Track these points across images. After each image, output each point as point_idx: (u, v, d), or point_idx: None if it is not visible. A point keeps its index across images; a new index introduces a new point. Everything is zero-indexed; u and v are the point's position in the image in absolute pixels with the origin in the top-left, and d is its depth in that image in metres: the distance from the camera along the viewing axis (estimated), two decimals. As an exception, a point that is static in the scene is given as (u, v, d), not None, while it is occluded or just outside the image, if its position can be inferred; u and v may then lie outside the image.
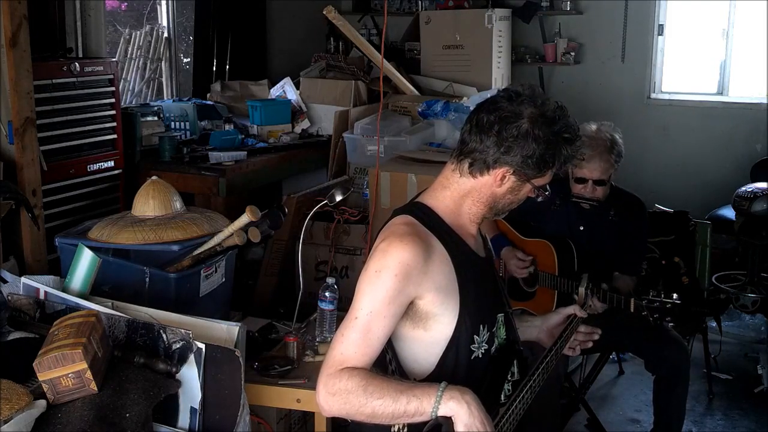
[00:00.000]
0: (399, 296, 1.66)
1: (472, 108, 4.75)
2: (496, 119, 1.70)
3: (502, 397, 1.82)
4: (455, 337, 1.74)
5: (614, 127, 2.96)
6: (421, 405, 1.60)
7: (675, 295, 2.40)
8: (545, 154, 1.70)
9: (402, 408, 1.60)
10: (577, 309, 2.05)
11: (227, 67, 5.45)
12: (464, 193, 1.78)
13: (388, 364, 1.78)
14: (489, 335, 1.81)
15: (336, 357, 1.66)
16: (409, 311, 1.71)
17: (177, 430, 1.90)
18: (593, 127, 2.94)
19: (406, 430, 1.70)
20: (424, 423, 1.62)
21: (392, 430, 1.72)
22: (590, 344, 2.09)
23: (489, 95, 4.17)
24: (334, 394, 1.62)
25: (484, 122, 1.72)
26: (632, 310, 2.54)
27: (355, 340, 1.65)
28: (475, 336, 1.77)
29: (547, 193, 1.81)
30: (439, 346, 1.74)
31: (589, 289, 2.17)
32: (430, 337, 1.74)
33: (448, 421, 1.60)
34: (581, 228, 3.03)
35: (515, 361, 1.88)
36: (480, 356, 1.79)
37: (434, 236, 1.74)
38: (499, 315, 1.87)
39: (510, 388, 1.83)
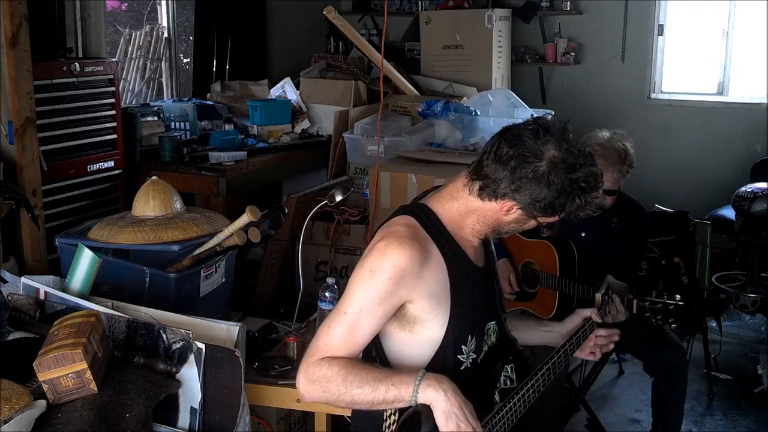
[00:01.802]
0: (390, 298, 1.67)
1: (472, 108, 4.71)
2: (514, 154, 1.65)
3: (497, 397, 1.82)
4: (443, 346, 1.74)
5: (626, 136, 2.95)
6: (399, 393, 1.62)
7: (678, 297, 2.40)
8: (555, 201, 1.66)
9: (381, 396, 1.63)
10: (594, 312, 2.06)
11: (227, 67, 5.45)
12: (470, 210, 1.76)
13: (373, 360, 1.79)
14: (476, 345, 1.81)
15: (320, 347, 1.68)
16: (398, 313, 1.72)
17: (177, 430, 1.90)
18: (606, 135, 2.91)
19: (396, 425, 1.70)
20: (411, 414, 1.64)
21: (384, 425, 1.73)
22: (611, 346, 2.10)
23: (489, 95, 4.17)
24: (314, 381, 1.65)
25: (503, 153, 1.66)
26: (634, 312, 2.54)
27: (340, 334, 1.67)
28: (463, 347, 1.77)
29: (553, 231, 1.80)
30: (424, 350, 1.75)
31: (606, 296, 2.17)
32: (416, 340, 1.74)
33: (426, 408, 1.62)
34: (582, 234, 3.02)
35: (510, 366, 1.89)
36: (468, 366, 1.80)
37: (433, 242, 1.73)
38: (490, 323, 1.87)
39: (498, 396, 1.84)
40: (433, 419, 1.61)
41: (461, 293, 1.75)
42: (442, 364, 1.74)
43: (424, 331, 1.73)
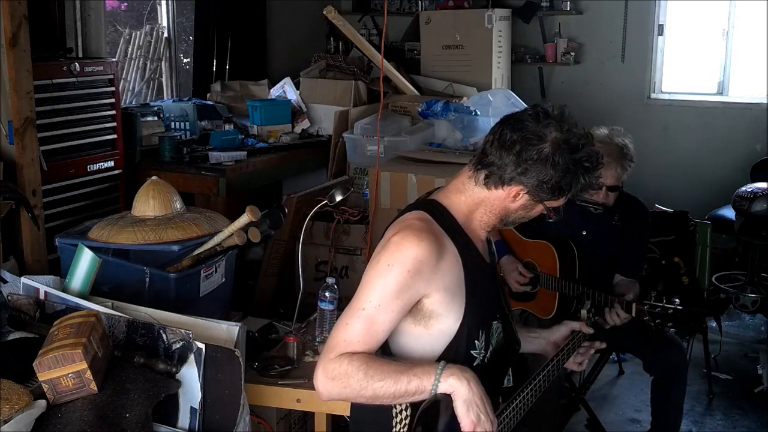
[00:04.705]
0: (408, 291, 1.66)
1: (472, 108, 4.72)
2: (518, 138, 1.68)
3: (500, 399, 1.83)
4: (456, 339, 1.74)
5: (624, 132, 2.96)
6: (421, 383, 1.62)
7: (677, 301, 2.40)
8: (561, 181, 1.69)
9: (403, 388, 1.62)
10: (583, 326, 2.07)
11: (227, 67, 5.45)
12: (477, 201, 1.78)
13: None
14: (485, 342, 1.82)
15: (339, 343, 1.66)
16: (413, 308, 1.71)
17: (177, 430, 1.90)
18: (605, 131, 2.93)
19: (408, 420, 1.70)
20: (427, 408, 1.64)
21: (395, 421, 1.73)
22: (591, 352, 2.11)
23: (489, 95, 4.20)
24: (334, 378, 1.63)
25: (506, 138, 1.70)
26: (634, 315, 2.54)
27: (359, 330, 1.66)
28: (476, 341, 1.78)
29: (559, 216, 1.81)
30: (437, 345, 1.75)
31: (591, 312, 2.19)
32: (429, 335, 1.74)
33: (446, 398, 1.62)
34: (584, 233, 3.02)
35: (510, 369, 1.89)
36: (480, 362, 1.80)
37: (447, 236, 1.74)
38: (494, 322, 1.87)
39: (500, 397, 1.85)
40: (452, 410, 1.62)
41: (474, 286, 1.76)
42: (453, 359, 1.74)
43: (438, 326, 1.73)
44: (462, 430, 1.62)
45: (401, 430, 1.71)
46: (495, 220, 1.80)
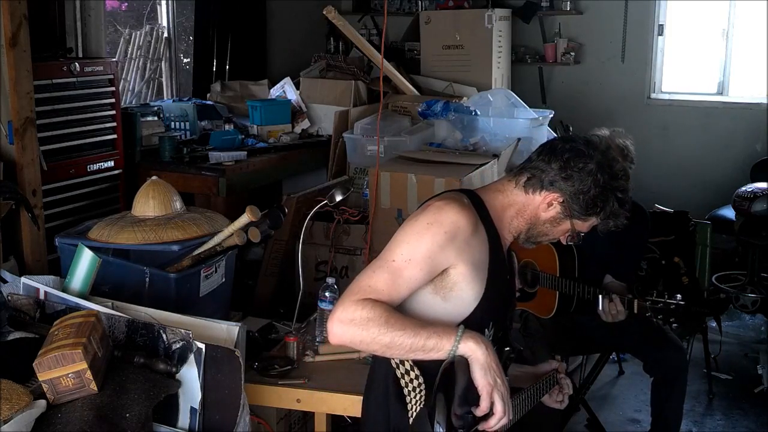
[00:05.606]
0: (439, 254, 1.70)
1: (472, 108, 4.72)
2: (569, 149, 1.82)
3: None
4: (468, 321, 1.75)
5: (625, 134, 2.97)
6: (440, 342, 1.66)
7: (678, 296, 2.40)
8: (597, 197, 1.81)
9: (421, 342, 1.65)
10: (562, 367, 2.10)
11: (227, 67, 5.45)
12: (512, 203, 1.85)
13: None
14: (493, 338, 1.84)
15: (363, 288, 1.69)
16: (436, 277, 1.74)
17: (177, 430, 1.90)
18: (606, 132, 2.95)
19: (424, 386, 1.71)
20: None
21: (406, 392, 1.74)
22: (568, 392, 2.12)
23: (489, 95, 4.25)
24: (353, 319, 1.65)
25: (557, 148, 1.83)
26: (636, 311, 2.54)
27: (385, 279, 1.69)
28: (485, 330, 1.80)
29: (579, 241, 1.91)
30: (449, 321, 1.75)
31: (566, 360, 2.21)
32: (444, 309, 1.76)
33: (462, 362, 1.65)
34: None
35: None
36: None
37: (480, 221, 1.79)
38: (499, 327, 1.89)
39: None
40: (468, 374, 1.65)
41: (495, 276, 1.80)
42: None
43: (455, 300, 1.75)
44: (479, 393, 1.65)
45: (416, 396, 1.72)
46: (523, 226, 1.86)
